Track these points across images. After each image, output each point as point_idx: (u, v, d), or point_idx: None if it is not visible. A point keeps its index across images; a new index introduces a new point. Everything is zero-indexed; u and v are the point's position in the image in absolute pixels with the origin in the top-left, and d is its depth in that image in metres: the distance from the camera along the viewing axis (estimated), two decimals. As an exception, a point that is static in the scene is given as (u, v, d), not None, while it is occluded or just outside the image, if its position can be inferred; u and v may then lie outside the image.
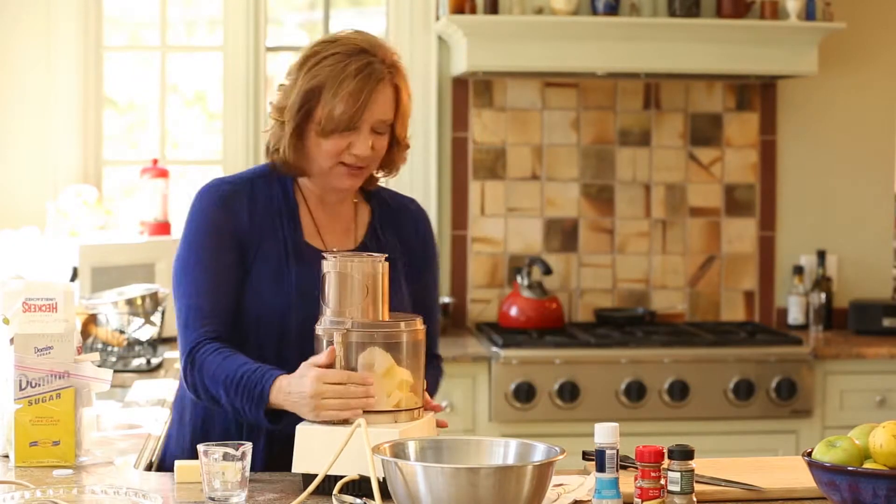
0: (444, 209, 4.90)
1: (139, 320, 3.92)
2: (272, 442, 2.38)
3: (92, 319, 3.89)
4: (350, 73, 2.35)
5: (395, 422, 2.22)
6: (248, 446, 2.13)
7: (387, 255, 2.31)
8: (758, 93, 4.99)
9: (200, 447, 2.12)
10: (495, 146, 4.90)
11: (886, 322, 4.79)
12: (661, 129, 4.96)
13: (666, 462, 2.05)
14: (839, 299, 5.01)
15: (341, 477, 2.12)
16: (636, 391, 4.35)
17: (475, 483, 1.87)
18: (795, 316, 4.93)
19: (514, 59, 4.57)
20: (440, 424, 2.37)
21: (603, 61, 4.60)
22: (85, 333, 3.83)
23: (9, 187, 4.79)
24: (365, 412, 2.19)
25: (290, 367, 2.33)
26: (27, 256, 4.30)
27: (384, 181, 2.58)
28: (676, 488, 2.04)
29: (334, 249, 2.42)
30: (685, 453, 2.04)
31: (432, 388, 2.44)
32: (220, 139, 4.98)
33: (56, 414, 2.41)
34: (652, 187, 4.96)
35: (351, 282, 2.25)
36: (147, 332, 3.93)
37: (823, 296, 4.88)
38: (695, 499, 2.06)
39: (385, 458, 1.96)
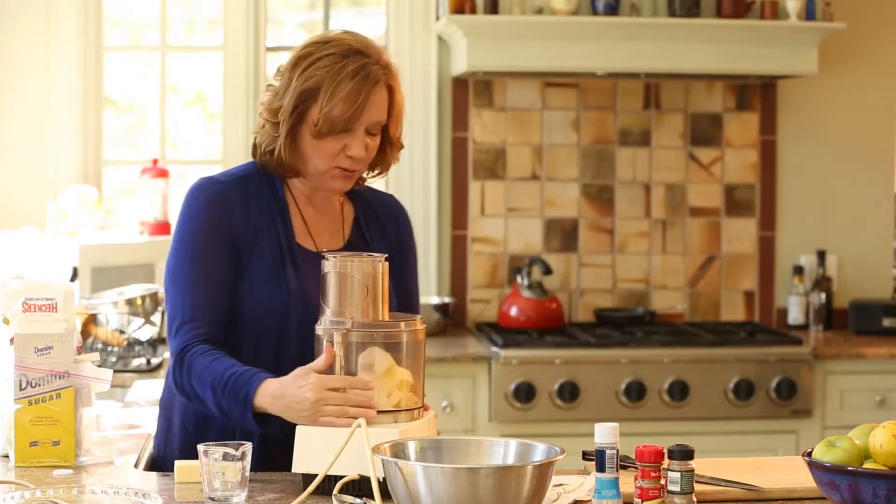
0: (444, 209, 4.90)
1: (139, 320, 3.92)
2: (266, 442, 2.37)
3: (92, 319, 3.89)
4: (347, 74, 2.34)
5: (395, 422, 2.22)
6: (247, 446, 2.13)
7: (386, 255, 2.31)
8: (758, 93, 4.99)
9: (200, 447, 2.12)
10: (495, 146, 4.90)
11: (886, 322, 4.79)
12: (661, 129, 4.96)
13: (666, 462, 2.05)
14: (839, 299, 5.01)
15: (341, 477, 2.12)
16: (636, 391, 4.35)
17: (475, 483, 1.87)
18: (795, 316, 4.93)
19: (514, 59, 4.57)
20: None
21: (603, 61, 4.60)
22: (85, 333, 3.83)
23: (9, 187, 4.79)
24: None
25: (290, 369, 2.33)
26: (27, 256, 4.30)
27: (372, 181, 2.58)
28: (676, 488, 2.04)
29: (324, 251, 2.42)
30: (685, 453, 2.04)
31: None
32: (220, 139, 4.98)
33: (56, 414, 2.41)
34: (652, 187, 4.97)
35: (351, 282, 2.25)
36: (147, 332, 3.93)
37: (823, 296, 4.88)
38: (695, 499, 2.06)
39: (385, 458, 1.96)
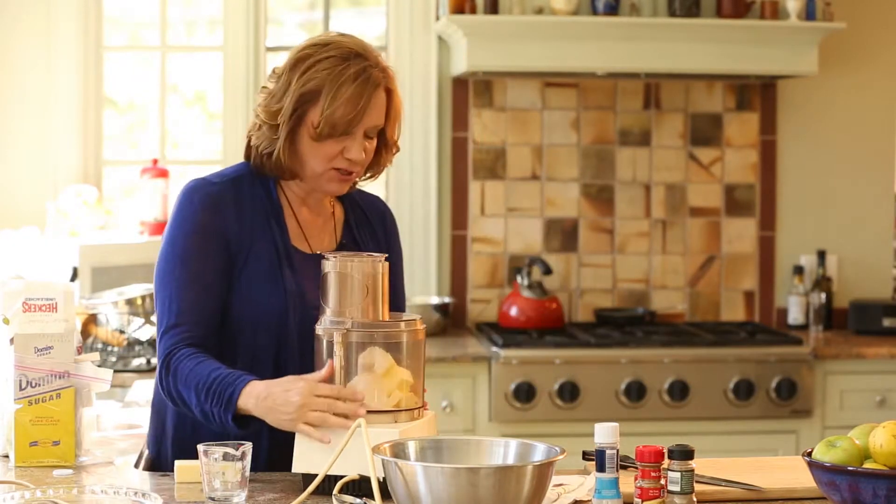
0: (444, 209, 4.90)
1: (139, 320, 3.92)
2: (274, 444, 2.37)
3: (92, 319, 3.89)
4: (349, 77, 2.34)
5: (395, 422, 2.22)
6: (248, 446, 2.13)
7: (386, 256, 2.31)
8: (758, 93, 4.99)
9: (200, 447, 2.12)
10: (495, 146, 4.90)
11: (886, 322, 4.79)
12: (661, 129, 4.96)
13: (666, 462, 2.05)
14: (839, 299, 5.01)
15: (341, 477, 2.12)
16: (636, 391, 4.35)
17: (475, 483, 1.87)
18: (795, 316, 4.93)
19: (514, 59, 4.58)
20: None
21: (603, 61, 4.60)
22: (85, 333, 3.83)
23: (9, 187, 4.79)
24: (365, 412, 2.19)
25: (289, 371, 2.33)
26: (27, 256, 4.30)
27: (362, 183, 2.58)
28: (676, 488, 2.04)
29: (319, 252, 2.42)
30: (685, 453, 2.04)
31: None
32: (220, 139, 4.98)
33: (56, 414, 2.41)
34: (652, 187, 4.97)
35: (351, 282, 2.25)
36: (147, 332, 3.93)
37: (823, 296, 4.88)
38: (695, 499, 2.06)
39: (385, 458, 1.96)
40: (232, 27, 4.90)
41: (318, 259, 2.42)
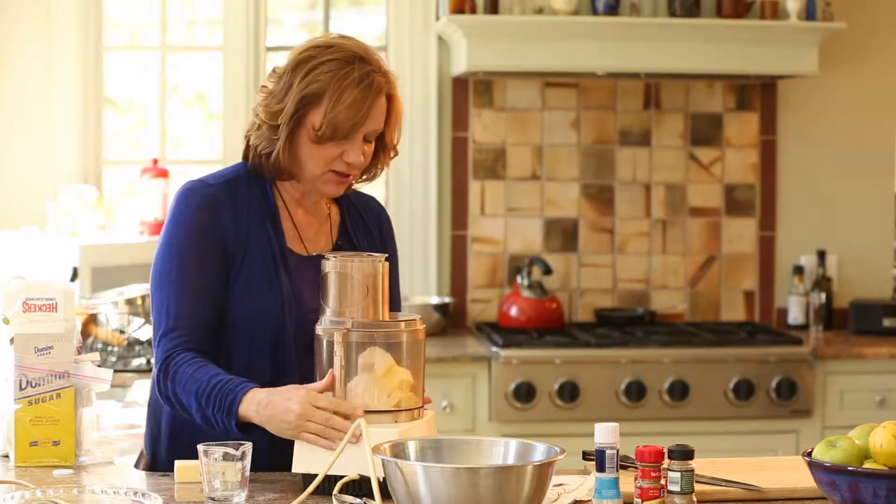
0: (444, 209, 4.90)
1: (139, 320, 3.92)
2: (274, 443, 2.36)
3: (92, 319, 3.89)
4: (352, 81, 2.33)
5: (395, 422, 2.22)
6: (248, 446, 2.13)
7: (386, 256, 2.31)
8: (758, 93, 4.99)
9: (200, 447, 2.12)
10: (495, 146, 4.90)
11: (886, 322, 4.79)
12: (661, 129, 4.96)
13: (666, 462, 2.05)
14: (839, 299, 5.01)
15: (341, 477, 2.12)
16: (636, 391, 4.35)
17: (475, 483, 1.87)
18: (795, 316, 4.93)
19: (514, 59, 4.58)
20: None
21: (603, 61, 4.60)
22: (85, 333, 3.83)
23: (9, 187, 4.79)
24: (365, 412, 2.20)
25: (285, 374, 2.33)
26: (27, 256, 4.30)
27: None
28: (676, 488, 2.04)
29: (314, 254, 2.42)
30: (685, 453, 2.04)
31: None
32: (220, 139, 4.98)
33: (56, 414, 2.41)
34: (652, 187, 4.97)
35: (351, 282, 2.25)
36: (147, 332, 3.93)
37: (823, 296, 4.88)
38: (695, 499, 2.06)
39: (385, 458, 1.96)
40: (232, 27, 4.90)
41: (313, 261, 2.42)
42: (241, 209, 2.41)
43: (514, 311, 4.74)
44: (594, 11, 4.59)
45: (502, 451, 2.06)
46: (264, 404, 2.23)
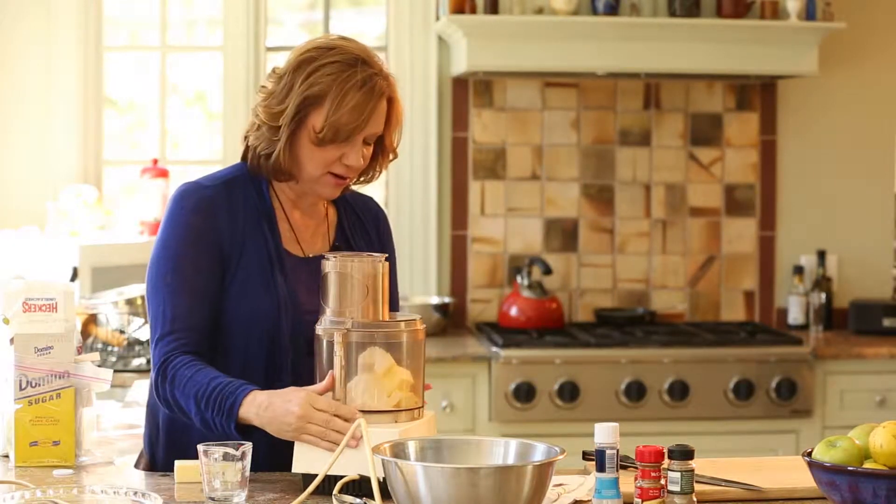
0: (444, 209, 4.90)
1: (139, 320, 3.92)
2: (274, 443, 2.36)
3: (92, 319, 3.89)
4: (355, 84, 2.33)
5: (395, 422, 2.22)
6: (248, 446, 2.13)
7: (386, 256, 2.31)
8: (758, 93, 4.99)
9: (200, 447, 2.12)
10: (495, 146, 4.90)
11: (886, 322, 4.79)
12: (661, 129, 4.96)
13: (666, 462, 2.05)
14: (839, 299, 5.01)
15: (341, 477, 2.12)
16: (636, 391, 4.35)
17: (475, 483, 1.87)
18: (795, 316, 4.93)
19: (514, 59, 4.58)
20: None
21: (603, 61, 4.60)
22: (85, 333, 3.83)
23: (9, 187, 4.79)
24: (365, 412, 2.20)
25: (281, 376, 2.33)
26: (27, 256, 4.30)
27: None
28: (676, 488, 2.04)
29: (311, 256, 2.42)
30: (685, 453, 2.04)
31: None
32: (220, 139, 4.98)
33: (56, 414, 2.41)
34: (652, 187, 4.97)
35: (351, 282, 2.25)
36: (147, 332, 3.93)
37: (823, 296, 4.88)
38: (695, 499, 2.06)
39: (385, 458, 1.96)
40: (232, 27, 4.90)
41: (310, 263, 2.42)
42: (237, 211, 2.41)
43: (514, 311, 4.74)
44: (594, 11, 4.59)
45: (502, 451, 2.06)
46: (265, 406, 2.22)
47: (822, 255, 4.97)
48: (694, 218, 4.99)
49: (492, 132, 4.90)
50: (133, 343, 3.92)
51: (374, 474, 2.00)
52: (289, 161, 2.39)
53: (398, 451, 2.02)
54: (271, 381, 2.35)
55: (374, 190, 2.71)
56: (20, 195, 4.78)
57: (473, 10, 4.57)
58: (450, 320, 4.80)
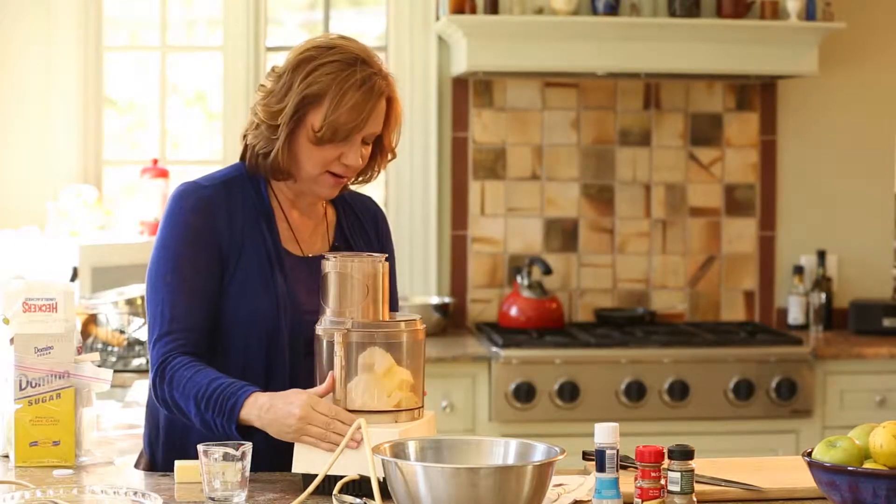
0: (444, 209, 4.90)
1: (139, 320, 3.92)
2: (274, 443, 2.36)
3: (92, 319, 3.89)
4: (354, 84, 2.33)
5: (395, 422, 2.22)
6: (248, 446, 2.13)
7: (386, 256, 2.31)
8: (758, 93, 4.99)
9: (200, 447, 2.12)
10: (495, 146, 4.90)
11: (886, 322, 4.79)
12: (661, 129, 4.96)
13: (666, 462, 2.05)
14: (839, 299, 5.01)
15: (341, 477, 2.12)
16: (636, 391, 4.35)
17: (475, 483, 1.87)
18: (795, 316, 4.93)
19: (514, 59, 4.58)
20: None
21: (603, 61, 4.60)
22: (85, 333, 3.83)
23: (9, 187, 4.79)
24: (365, 412, 2.20)
25: (280, 376, 2.33)
26: (27, 256, 4.30)
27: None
28: (676, 488, 2.04)
29: (310, 255, 2.42)
30: (685, 453, 2.04)
31: None
32: (220, 139, 4.98)
33: (56, 414, 2.41)
34: (652, 187, 4.97)
35: (351, 282, 2.25)
36: (146, 333, 3.93)
37: (823, 296, 4.88)
38: (695, 499, 2.06)
39: (385, 458, 1.96)
40: (232, 27, 4.90)
41: (309, 262, 2.43)
42: (235, 211, 2.41)
43: (514, 311, 4.74)
44: (594, 11, 4.59)
45: (502, 451, 2.06)
46: (266, 408, 2.22)
47: (822, 255, 4.97)
48: (694, 218, 4.99)
49: (492, 132, 4.90)
50: (133, 343, 3.92)
51: (374, 474, 2.00)
52: (287, 160, 2.39)
53: (398, 451, 2.02)
54: (270, 381, 2.35)
55: (373, 190, 2.72)
56: (20, 195, 4.78)
57: (473, 10, 4.57)
58: (450, 320, 4.80)
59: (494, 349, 4.37)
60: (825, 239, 5.04)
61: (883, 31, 5.05)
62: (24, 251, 4.33)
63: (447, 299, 4.81)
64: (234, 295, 2.38)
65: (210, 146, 5.15)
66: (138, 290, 3.99)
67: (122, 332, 3.91)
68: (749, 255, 5.02)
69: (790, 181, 5.03)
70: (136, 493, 2.03)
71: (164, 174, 4.77)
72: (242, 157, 2.48)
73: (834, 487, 1.99)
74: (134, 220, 4.79)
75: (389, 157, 2.49)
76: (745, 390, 4.38)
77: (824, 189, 5.04)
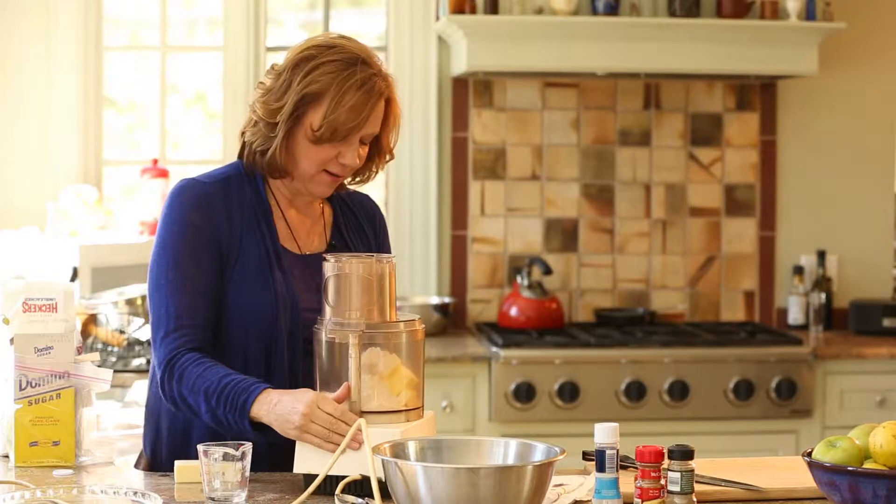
0: (444, 209, 4.90)
1: (139, 320, 3.92)
2: (275, 443, 2.36)
3: (92, 319, 3.89)
4: (354, 84, 2.33)
5: (407, 420, 2.22)
6: (248, 446, 2.13)
7: (393, 256, 2.31)
8: (758, 93, 4.99)
9: (200, 447, 2.12)
10: (495, 146, 4.91)
11: (886, 322, 4.79)
12: (661, 129, 4.96)
13: (666, 462, 2.05)
14: (839, 299, 5.01)
15: (341, 477, 2.12)
16: (636, 391, 4.35)
17: (475, 483, 1.87)
18: (795, 316, 4.93)
19: (514, 59, 4.57)
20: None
21: (603, 61, 4.60)
22: (85, 333, 3.83)
23: (9, 187, 4.79)
24: (365, 412, 2.20)
25: (279, 373, 2.33)
26: (27, 256, 4.30)
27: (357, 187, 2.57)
28: (676, 488, 2.04)
29: (308, 253, 2.43)
30: (685, 453, 2.04)
31: None
32: (220, 139, 4.98)
33: (56, 414, 2.41)
34: (652, 187, 4.97)
35: (354, 282, 2.25)
36: (147, 332, 3.93)
37: (823, 296, 4.88)
38: (695, 499, 2.06)
39: (385, 458, 1.96)
40: (232, 27, 4.90)
41: (307, 260, 2.43)
42: (234, 208, 2.41)
43: (514, 312, 4.74)
44: (594, 11, 4.59)
45: (502, 451, 2.06)
46: (274, 403, 2.23)
47: (822, 256, 4.97)
48: (694, 218, 4.99)
49: (492, 132, 4.90)
50: (133, 343, 3.92)
51: (374, 474, 2.00)
52: (285, 158, 2.39)
53: (398, 451, 2.02)
54: (269, 378, 2.35)
55: (373, 190, 2.72)
56: (20, 195, 4.78)
57: (473, 10, 4.57)
58: (450, 320, 4.80)
59: (494, 349, 4.37)
60: (825, 239, 5.04)
61: (883, 31, 5.05)
62: (24, 251, 4.33)
63: (447, 299, 4.81)
64: (232, 292, 2.38)
65: (210, 146, 5.15)
66: (138, 290, 3.99)
67: (122, 332, 3.91)
68: (749, 255, 5.02)
69: (790, 181, 5.03)
70: (136, 493, 2.03)
71: (164, 174, 4.77)
72: (240, 155, 2.48)
73: (834, 487, 1.99)
74: (134, 220, 4.79)
75: (388, 157, 2.49)
76: (745, 390, 4.38)
77: (824, 189, 5.04)
